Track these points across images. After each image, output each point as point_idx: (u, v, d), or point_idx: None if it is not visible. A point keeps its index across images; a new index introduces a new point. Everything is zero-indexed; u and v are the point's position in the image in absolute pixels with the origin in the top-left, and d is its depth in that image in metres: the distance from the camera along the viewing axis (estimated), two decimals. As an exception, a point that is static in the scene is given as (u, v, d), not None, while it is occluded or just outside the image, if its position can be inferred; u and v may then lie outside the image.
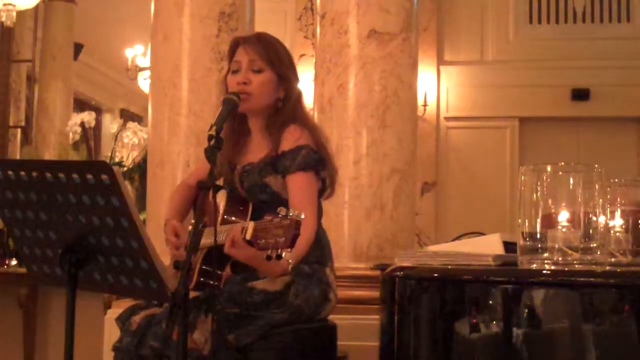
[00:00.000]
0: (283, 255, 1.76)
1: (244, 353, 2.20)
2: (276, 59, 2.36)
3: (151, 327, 2.17)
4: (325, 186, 2.37)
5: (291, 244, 1.75)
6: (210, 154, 1.99)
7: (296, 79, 2.42)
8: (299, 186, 2.25)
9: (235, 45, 2.41)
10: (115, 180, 1.64)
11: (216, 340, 2.14)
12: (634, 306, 1.76)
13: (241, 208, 2.31)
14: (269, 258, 1.78)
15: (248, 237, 1.87)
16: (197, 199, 2.53)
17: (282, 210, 1.79)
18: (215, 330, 2.14)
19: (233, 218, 2.29)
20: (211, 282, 2.25)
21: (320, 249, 2.38)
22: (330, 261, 2.42)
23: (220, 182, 2.49)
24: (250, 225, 1.86)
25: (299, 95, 2.42)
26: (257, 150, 2.40)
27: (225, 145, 2.39)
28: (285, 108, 2.37)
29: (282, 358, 2.22)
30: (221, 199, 2.36)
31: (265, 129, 2.39)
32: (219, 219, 2.27)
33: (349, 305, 3.04)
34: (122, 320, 2.28)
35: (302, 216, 1.78)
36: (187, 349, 1.74)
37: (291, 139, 2.30)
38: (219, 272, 2.24)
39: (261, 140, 2.40)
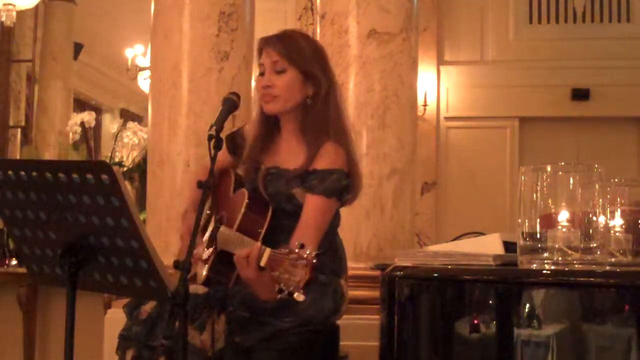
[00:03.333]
0: (295, 295, 1.76)
1: (247, 353, 2.20)
2: (298, 56, 2.27)
3: (162, 320, 2.16)
4: (346, 201, 2.34)
5: (304, 286, 1.75)
6: (211, 154, 1.98)
7: (325, 74, 2.32)
8: (315, 209, 2.22)
9: (260, 47, 2.34)
10: (115, 180, 1.64)
11: (226, 341, 2.14)
12: (634, 306, 1.76)
13: (261, 210, 2.27)
14: (280, 291, 1.77)
15: (262, 263, 1.87)
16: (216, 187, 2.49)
17: (297, 245, 1.78)
18: (225, 332, 2.14)
19: (253, 217, 2.25)
20: (220, 280, 2.23)
21: (337, 260, 2.36)
22: (345, 272, 2.40)
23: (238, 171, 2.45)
24: (266, 253, 1.86)
25: (328, 91, 2.31)
26: (288, 154, 2.33)
27: (253, 143, 2.37)
28: (315, 106, 2.29)
29: (285, 358, 2.22)
30: (242, 195, 2.32)
31: (299, 132, 2.32)
32: (239, 217, 2.23)
33: (349, 305, 3.03)
34: (130, 308, 2.25)
35: (315, 258, 1.78)
36: (187, 347, 1.75)
37: (327, 159, 2.24)
38: (230, 272, 2.23)
39: (294, 143, 2.33)
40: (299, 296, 1.76)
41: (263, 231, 2.20)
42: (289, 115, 2.33)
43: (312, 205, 2.22)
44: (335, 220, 2.36)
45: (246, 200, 2.27)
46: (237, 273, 2.22)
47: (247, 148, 2.39)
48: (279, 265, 1.79)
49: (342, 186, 2.25)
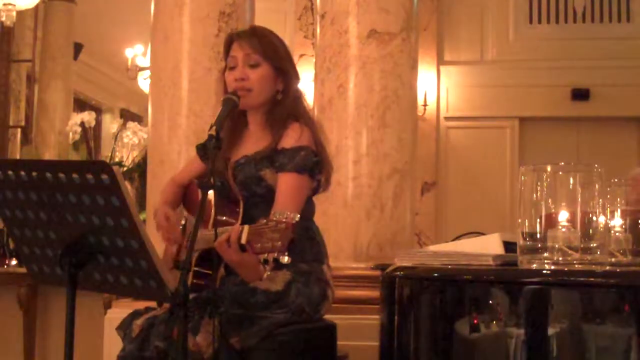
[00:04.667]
0: (280, 259, 1.76)
1: (243, 354, 2.19)
2: (272, 51, 2.34)
3: (154, 327, 2.17)
4: (320, 185, 2.37)
5: (288, 247, 1.75)
6: (211, 153, 1.99)
7: (294, 70, 2.40)
8: (289, 186, 2.25)
9: (230, 41, 2.39)
10: (115, 180, 1.64)
11: (219, 343, 2.14)
12: (634, 306, 1.76)
13: (232, 206, 2.29)
14: (265, 262, 1.77)
15: (243, 241, 1.87)
16: (185, 196, 2.52)
17: (275, 214, 1.79)
18: (219, 333, 2.14)
19: (224, 218, 2.26)
20: (205, 284, 2.24)
21: (316, 246, 2.38)
22: (326, 258, 2.41)
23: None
24: (245, 229, 1.86)
25: (297, 88, 2.40)
26: (254, 144, 2.37)
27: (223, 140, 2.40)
28: (285, 101, 2.35)
29: (282, 358, 2.22)
30: (211, 196, 2.33)
31: (265, 123, 2.37)
32: (211, 216, 2.25)
33: (349, 305, 3.04)
34: (123, 328, 2.27)
35: (297, 218, 1.78)
36: (187, 350, 1.75)
37: (294, 136, 2.28)
38: (213, 274, 2.23)
39: (259, 134, 2.38)
40: (283, 259, 1.76)
41: (238, 223, 2.20)
42: (257, 109, 2.38)
43: (286, 184, 2.25)
44: (310, 206, 2.39)
45: (214, 203, 2.27)
46: (222, 274, 2.23)
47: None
48: (260, 237, 1.79)
49: (313, 162, 2.28)
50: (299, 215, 1.81)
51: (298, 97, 2.40)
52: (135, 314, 2.27)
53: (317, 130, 2.37)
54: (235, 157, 2.38)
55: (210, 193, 2.31)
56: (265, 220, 1.80)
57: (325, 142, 2.39)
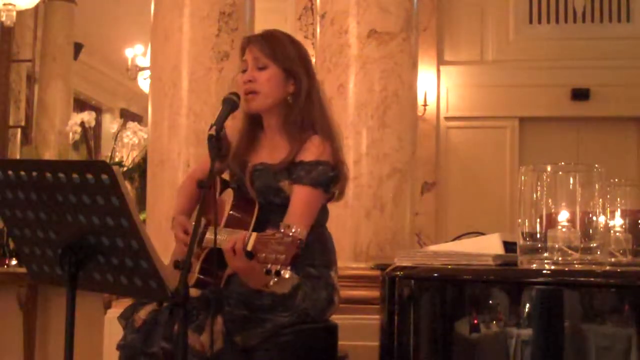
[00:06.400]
0: (282, 272, 1.76)
1: (246, 353, 2.20)
2: (281, 54, 2.33)
3: (158, 326, 2.17)
4: (334, 195, 2.37)
5: (291, 262, 1.75)
6: (211, 153, 1.99)
7: (306, 73, 2.37)
8: (302, 199, 2.25)
9: (244, 45, 2.40)
10: (115, 180, 1.64)
11: (223, 342, 2.14)
12: (634, 306, 1.76)
13: (247, 208, 2.29)
14: (268, 272, 1.78)
15: (249, 248, 1.87)
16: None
17: (283, 226, 1.79)
18: (223, 332, 2.14)
19: (239, 216, 2.27)
20: (211, 281, 2.24)
21: (326, 252, 2.38)
22: (335, 265, 2.42)
23: (225, 176, 2.48)
24: (253, 237, 1.86)
25: (310, 90, 2.35)
26: (272, 149, 2.37)
27: (238, 142, 2.40)
28: (297, 103, 2.33)
29: (284, 358, 2.23)
30: (228, 196, 2.34)
31: (281, 128, 2.36)
32: (225, 216, 2.26)
33: (349, 305, 3.03)
34: (125, 317, 2.27)
35: (303, 236, 1.78)
36: (187, 348, 1.75)
37: (315, 152, 2.27)
38: (220, 272, 2.24)
39: (277, 139, 2.37)
40: (285, 273, 1.76)
41: (250, 228, 2.20)
42: (271, 113, 2.37)
43: (299, 196, 2.25)
44: (323, 214, 2.40)
45: (232, 200, 2.28)
46: (229, 273, 2.23)
47: (232, 148, 2.42)
48: (265, 247, 1.79)
49: (329, 177, 2.28)
50: (306, 232, 1.81)
51: (316, 101, 2.36)
52: (137, 305, 2.27)
53: (337, 142, 2.35)
54: (252, 161, 2.37)
55: (229, 192, 2.33)
56: (273, 232, 1.80)
57: (342, 151, 2.37)
